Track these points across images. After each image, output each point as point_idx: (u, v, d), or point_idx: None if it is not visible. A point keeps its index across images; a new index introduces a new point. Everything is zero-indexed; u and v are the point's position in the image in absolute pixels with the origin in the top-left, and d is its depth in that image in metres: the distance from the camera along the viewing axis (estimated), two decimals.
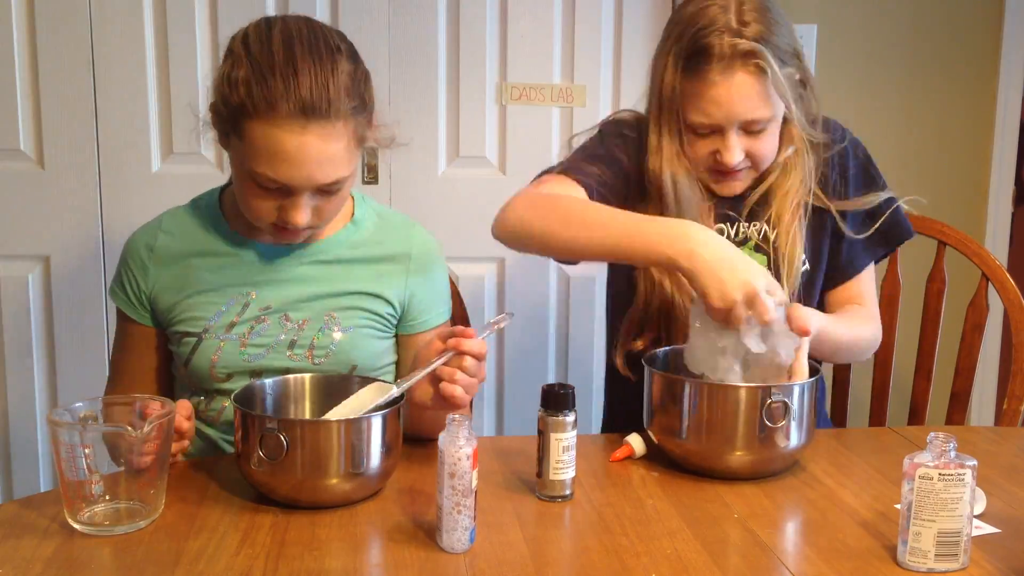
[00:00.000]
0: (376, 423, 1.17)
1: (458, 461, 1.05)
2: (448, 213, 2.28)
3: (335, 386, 1.30)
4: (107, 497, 1.12)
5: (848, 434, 1.56)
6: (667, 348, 1.43)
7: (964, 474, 1.02)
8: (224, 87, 1.26)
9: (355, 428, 1.16)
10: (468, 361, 1.21)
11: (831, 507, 1.21)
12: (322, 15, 2.19)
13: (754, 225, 1.53)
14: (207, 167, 2.23)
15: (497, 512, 1.17)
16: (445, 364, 1.22)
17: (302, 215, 1.30)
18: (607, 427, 1.75)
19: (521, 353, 2.40)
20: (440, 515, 1.07)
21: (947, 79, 2.40)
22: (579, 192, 1.45)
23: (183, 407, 1.23)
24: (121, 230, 2.20)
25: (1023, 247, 2.61)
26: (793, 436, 1.27)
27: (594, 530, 1.14)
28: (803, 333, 1.27)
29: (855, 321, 1.53)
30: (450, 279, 1.55)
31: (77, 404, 1.15)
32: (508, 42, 2.28)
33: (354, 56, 1.31)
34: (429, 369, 1.22)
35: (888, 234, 1.57)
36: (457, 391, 1.21)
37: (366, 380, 1.30)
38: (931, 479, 1.02)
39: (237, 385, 1.32)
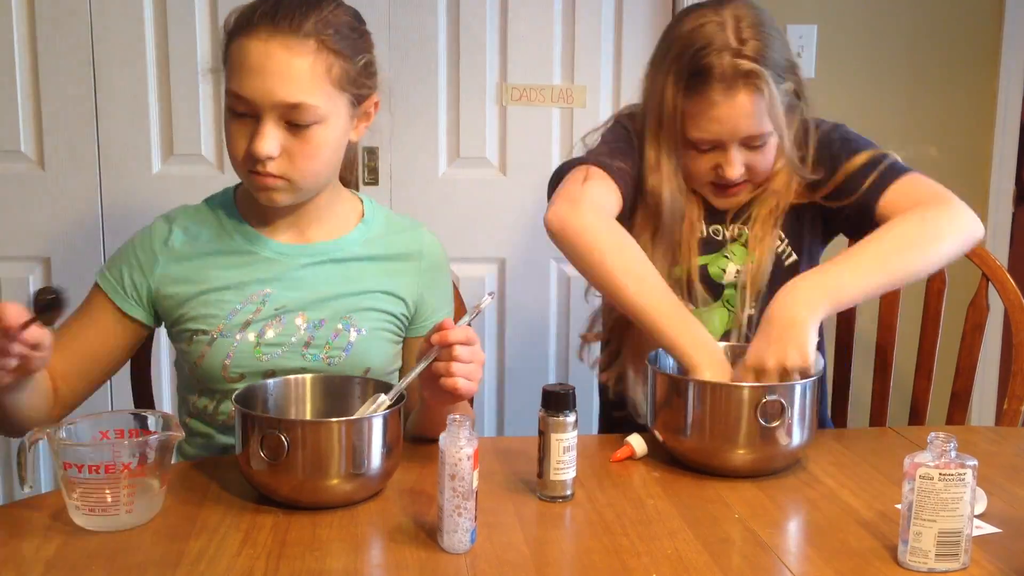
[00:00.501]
0: (377, 423, 1.17)
1: (459, 462, 1.05)
2: (448, 214, 2.28)
3: (336, 387, 1.31)
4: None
5: (849, 434, 1.56)
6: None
7: (965, 474, 1.02)
8: (224, 25, 1.35)
9: (355, 429, 1.16)
10: (458, 350, 1.20)
11: (832, 507, 1.21)
12: None
13: (743, 225, 1.54)
14: (207, 168, 2.23)
15: (498, 512, 1.17)
16: (438, 360, 1.21)
17: (265, 143, 1.28)
18: (607, 427, 1.75)
19: (521, 353, 2.40)
20: (441, 515, 1.07)
21: (947, 79, 2.40)
22: (616, 194, 1.44)
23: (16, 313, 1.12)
24: (121, 231, 2.20)
25: (1023, 247, 2.61)
26: (795, 435, 1.28)
27: (595, 530, 1.14)
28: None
29: (894, 235, 1.39)
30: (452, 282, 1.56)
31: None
32: (508, 43, 2.28)
33: (354, 16, 1.35)
34: (419, 369, 1.22)
35: (886, 172, 1.49)
36: (459, 383, 1.20)
37: (367, 382, 1.30)
38: (932, 479, 1.02)
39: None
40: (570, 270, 2.28)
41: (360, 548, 1.09)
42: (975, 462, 1.03)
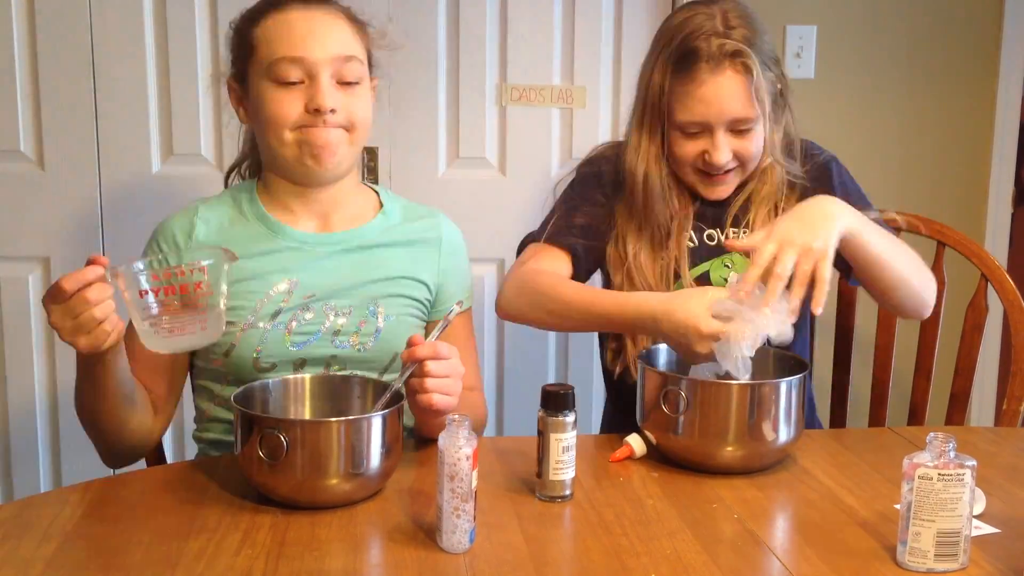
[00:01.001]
0: (376, 423, 1.17)
1: (458, 461, 1.05)
2: (448, 214, 2.25)
3: (336, 387, 1.31)
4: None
5: (848, 434, 1.57)
6: (662, 345, 1.43)
7: (963, 474, 1.02)
8: (237, 25, 1.43)
9: (355, 428, 1.16)
10: (430, 365, 1.22)
11: (831, 507, 1.21)
12: None
13: (743, 231, 1.54)
14: (207, 168, 2.23)
15: (497, 512, 1.18)
16: (412, 375, 1.23)
17: (328, 95, 1.36)
18: (607, 427, 1.75)
19: (521, 353, 2.40)
20: (440, 515, 1.07)
21: (947, 79, 2.40)
22: (564, 261, 1.53)
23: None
24: (121, 231, 2.21)
25: (1023, 248, 2.61)
26: (782, 431, 1.29)
27: (594, 530, 1.14)
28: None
29: (898, 242, 1.47)
30: None
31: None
32: (508, 43, 2.28)
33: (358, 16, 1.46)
34: (393, 389, 1.23)
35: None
36: (434, 398, 1.23)
37: (367, 382, 1.30)
38: (931, 479, 1.02)
39: (280, 376, 1.34)
40: None
41: (359, 548, 1.09)
42: (974, 462, 1.03)
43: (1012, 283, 1.69)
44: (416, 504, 1.19)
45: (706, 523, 1.16)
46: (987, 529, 1.15)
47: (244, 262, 1.38)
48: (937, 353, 1.76)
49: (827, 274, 1.28)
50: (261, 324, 1.38)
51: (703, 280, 1.54)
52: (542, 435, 1.21)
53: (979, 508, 1.17)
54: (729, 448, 1.29)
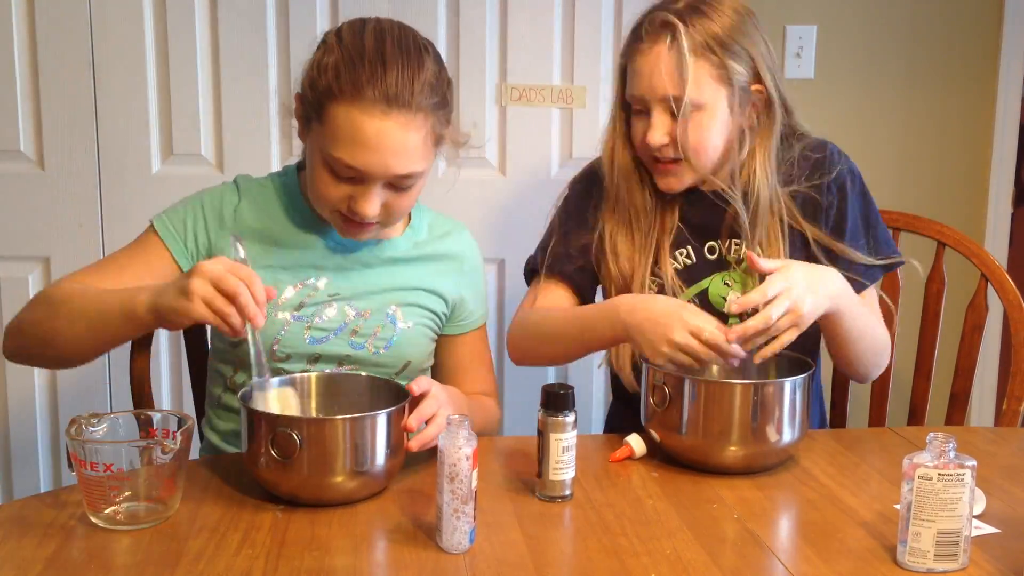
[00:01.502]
0: (382, 421, 1.17)
1: (458, 461, 1.05)
2: (447, 214, 2.27)
3: (341, 385, 1.31)
4: (127, 493, 1.12)
5: (848, 434, 1.57)
6: None
7: (963, 474, 1.02)
8: (313, 72, 1.32)
9: (361, 426, 1.16)
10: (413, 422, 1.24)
11: (831, 507, 1.21)
12: (322, 15, 2.19)
13: (745, 243, 1.51)
14: (207, 168, 2.23)
15: (497, 512, 1.18)
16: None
17: (372, 205, 1.32)
18: (611, 425, 1.75)
19: None
20: (440, 515, 1.07)
21: (947, 79, 2.40)
22: (564, 292, 1.57)
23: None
24: (121, 231, 2.20)
25: (1022, 248, 2.61)
26: (785, 432, 1.29)
27: (594, 530, 1.14)
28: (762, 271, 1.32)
29: (872, 316, 1.51)
30: None
31: (94, 421, 1.15)
32: (508, 43, 2.28)
33: (439, 60, 1.37)
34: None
35: (885, 258, 1.56)
36: (413, 446, 1.23)
37: (373, 380, 1.31)
38: (931, 479, 1.02)
39: (293, 367, 1.37)
40: None
41: (359, 548, 1.09)
42: (974, 462, 1.03)
43: (1012, 283, 1.69)
44: (416, 504, 1.19)
45: (706, 523, 1.16)
46: (987, 529, 1.15)
47: (278, 252, 1.41)
48: (937, 353, 1.76)
49: (788, 341, 1.30)
50: (284, 314, 1.39)
51: (702, 298, 1.52)
52: (542, 435, 1.21)
53: (979, 508, 1.17)
54: (733, 448, 1.29)
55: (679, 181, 1.50)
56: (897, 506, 1.08)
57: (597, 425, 2.40)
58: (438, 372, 1.55)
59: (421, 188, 1.39)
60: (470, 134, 1.45)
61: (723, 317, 1.49)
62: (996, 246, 2.46)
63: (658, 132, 1.45)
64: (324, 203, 1.36)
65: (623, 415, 1.68)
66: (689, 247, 1.54)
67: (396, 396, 1.24)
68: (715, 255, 1.54)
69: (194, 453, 1.51)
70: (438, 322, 1.50)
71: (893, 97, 2.39)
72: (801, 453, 1.38)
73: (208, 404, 1.54)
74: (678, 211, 1.55)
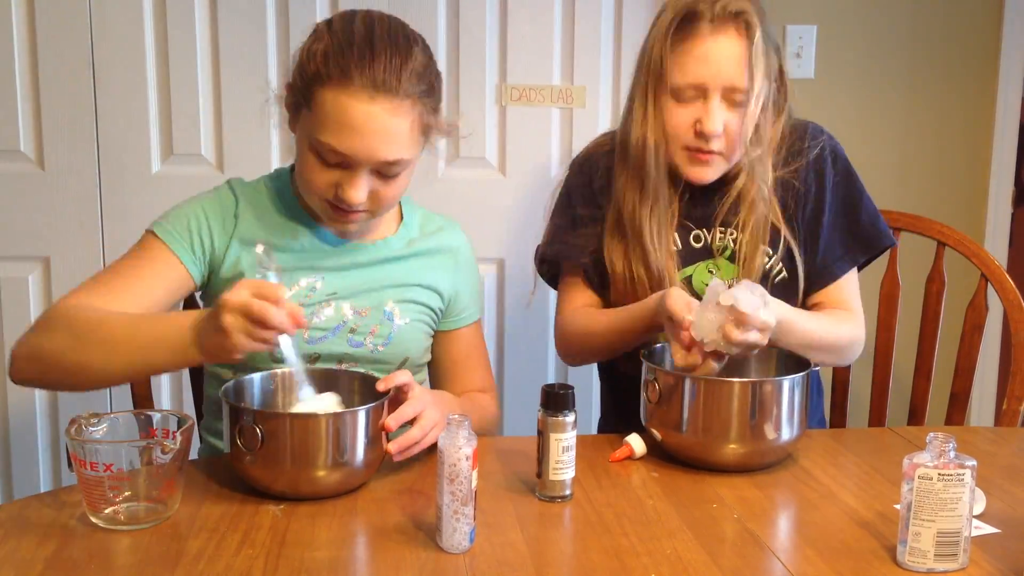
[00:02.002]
0: (359, 418, 1.19)
1: (458, 462, 1.05)
2: (448, 214, 2.27)
3: (323, 380, 1.31)
4: (127, 493, 1.12)
5: (848, 434, 1.57)
6: (664, 344, 1.44)
7: (963, 474, 1.02)
8: (303, 58, 1.33)
9: (316, 425, 1.18)
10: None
11: (831, 507, 1.21)
12: (322, 14, 2.19)
13: (730, 234, 1.53)
14: (207, 168, 2.23)
15: (497, 512, 1.18)
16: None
17: (359, 192, 1.33)
18: (603, 426, 1.75)
19: (521, 353, 2.40)
20: (440, 515, 1.07)
21: (947, 79, 2.40)
22: (580, 287, 1.60)
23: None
24: (121, 231, 2.20)
25: (1022, 248, 2.61)
26: (784, 429, 1.29)
27: (594, 530, 1.14)
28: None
29: (830, 320, 1.52)
30: None
31: (94, 420, 1.16)
32: (508, 43, 2.28)
33: (428, 51, 1.38)
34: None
35: (867, 241, 1.58)
36: (391, 448, 1.24)
37: (353, 375, 1.32)
38: (931, 479, 1.02)
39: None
40: None
41: (359, 548, 1.09)
42: (974, 462, 1.03)
43: (1012, 283, 1.69)
44: (416, 504, 1.19)
45: (706, 523, 1.16)
46: (987, 529, 1.15)
47: (277, 253, 1.40)
48: (937, 353, 1.76)
49: (750, 340, 1.29)
50: None
51: (687, 283, 1.53)
52: (542, 435, 1.21)
53: (979, 508, 1.17)
54: (733, 445, 1.29)
55: (714, 171, 1.51)
56: (897, 506, 1.08)
57: (596, 425, 2.40)
58: (434, 369, 1.55)
59: (408, 178, 1.39)
60: (456, 124, 1.45)
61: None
62: (996, 246, 2.46)
63: (717, 120, 1.44)
64: (312, 190, 1.36)
65: (615, 415, 1.68)
66: (676, 234, 1.55)
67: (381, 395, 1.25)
68: (700, 243, 1.55)
69: (193, 454, 1.51)
70: (434, 317, 1.51)
71: (893, 97, 2.39)
72: (801, 453, 1.38)
73: (205, 408, 1.54)
74: (678, 212, 1.55)
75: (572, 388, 1.21)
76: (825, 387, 1.81)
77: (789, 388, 1.29)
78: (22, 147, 2.21)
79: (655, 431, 1.34)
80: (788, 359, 1.38)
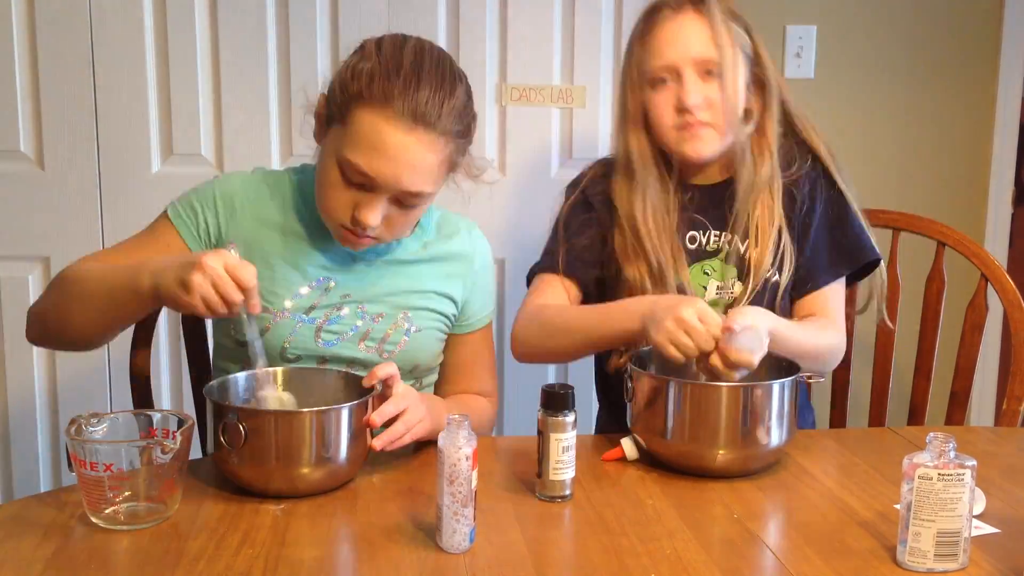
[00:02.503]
0: (342, 416, 1.19)
1: (458, 462, 1.05)
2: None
3: (308, 379, 1.32)
4: (127, 493, 1.12)
5: (848, 434, 1.57)
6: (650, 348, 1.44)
7: (963, 474, 1.02)
8: (346, 74, 1.32)
9: (299, 421, 1.18)
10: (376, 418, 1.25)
11: (831, 507, 1.21)
12: (322, 15, 2.19)
13: (725, 236, 1.54)
14: (207, 168, 2.23)
15: (497, 512, 1.18)
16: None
17: (375, 216, 1.32)
18: (601, 428, 1.76)
19: None
20: (440, 516, 1.07)
21: (947, 79, 2.40)
22: (569, 286, 1.58)
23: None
24: (121, 231, 2.20)
25: (1022, 247, 2.61)
26: (773, 434, 1.28)
27: (594, 530, 1.14)
28: (726, 329, 1.30)
29: (812, 329, 1.53)
30: None
31: (94, 420, 1.16)
32: (508, 43, 2.28)
33: (470, 92, 1.37)
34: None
35: (852, 255, 1.58)
36: (376, 444, 1.24)
37: (340, 375, 1.33)
38: (930, 479, 1.02)
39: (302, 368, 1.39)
40: None
41: (358, 548, 1.09)
42: (974, 462, 1.03)
43: (1012, 283, 1.69)
44: (416, 504, 1.19)
45: (706, 523, 1.16)
46: (987, 529, 1.15)
47: (288, 249, 1.42)
48: (937, 353, 1.76)
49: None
50: (296, 316, 1.40)
51: (680, 288, 1.53)
52: (542, 435, 1.21)
53: (979, 508, 1.17)
54: (720, 451, 1.28)
55: (708, 146, 1.51)
56: (897, 506, 1.08)
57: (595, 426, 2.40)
58: (443, 372, 1.55)
59: (424, 211, 1.40)
60: (485, 168, 1.45)
61: None
62: (996, 246, 2.46)
63: (694, 92, 1.48)
64: (328, 207, 1.36)
65: (611, 417, 1.68)
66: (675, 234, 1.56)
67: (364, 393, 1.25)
68: (695, 244, 1.55)
69: (194, 453, 1.51)
70: (448, 323, 1.51)
71: (893, 97, 2.39)
72: (801, 453, 1.38)
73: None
74: (678, 202, 1.56)
75: (572, 388, 1.21)
76: (825, 387, 1.81)
77: (778, 392, 1.28)
78: (22, 147, 2.21)
79: (639, 437, 1.34)
80: (775, 363, 1.38)
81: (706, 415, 1.27)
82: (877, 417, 1.79)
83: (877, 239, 1.61)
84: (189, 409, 1.56)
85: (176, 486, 1.14)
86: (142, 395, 1.61)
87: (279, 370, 1.32)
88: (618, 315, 1.44)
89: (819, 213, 1.57)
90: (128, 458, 1.11)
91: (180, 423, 1.16)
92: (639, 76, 1.52)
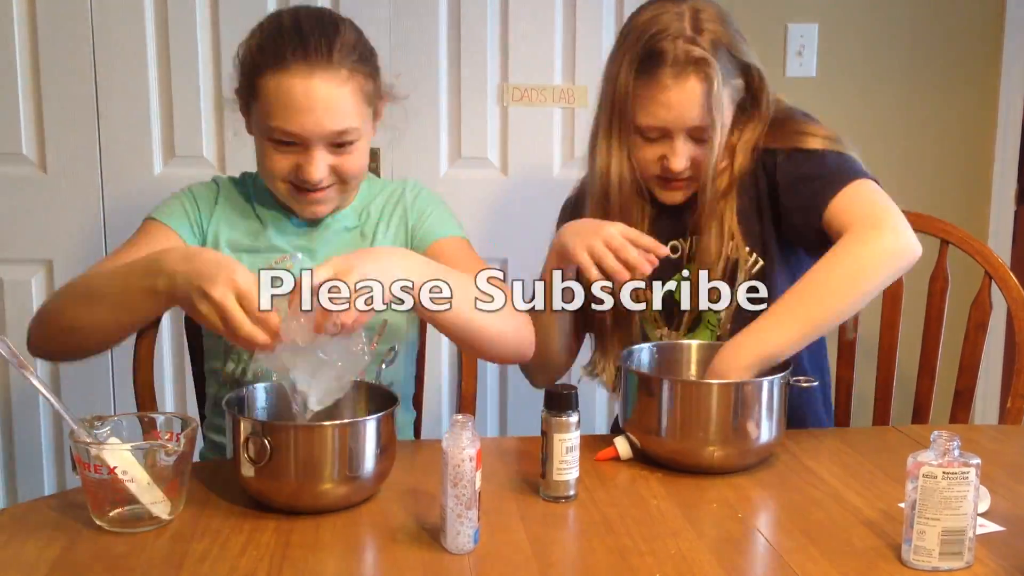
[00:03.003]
0: (369, 428, 1.16)
1: (462, 462, 1.05)
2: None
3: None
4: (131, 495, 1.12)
5: (852, 433, 1.56)
6: (644, 345, 1.45)
7: (968, 472, 1.02)
8: (243, 57, 1.40)
9: (317, 434, 1.14)
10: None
11: (835, 506, 1.21)
12: None
13: (695, 240, 1.54)
14: (209, 170, 2.23)
15: (501, 512, 1.17)
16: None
17: (317, 169, 1.37)
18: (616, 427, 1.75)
19: None
20: (444, 516, 1.07)
21: (949, 77, 2.40)
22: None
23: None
24: (123, 233, 2.19)
25: None
26: (763, 430, 1.29)
27: (598, 530, 1.14)
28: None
29: (821, 270, 1.35)
30: None
31: (98, 423, 1.16)
32: (509, 43, 2.28)
33: (358, 29, 1.43)
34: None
35: (838, 177, 1.45)
36: (327, 327, 1.16)
37: (360, 385, 1.29)
38: (935, 478, 1.02)
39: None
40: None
41: (363, 549, 1.09)
42: (978, 460, 1.03)
43: (1016, 281, 1.69)
44: (419, 505, 1.19)
45: (710, 522, 1.16)
46: (992, 527, 1.14)
47: (254, 236, 1.46)
48: (941, 351, 1.75)
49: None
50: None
51: (668, 297, 1.52)
52: (546, 435, 1.21)
53: (984, 506, 1.17)
54: (710, 448, 1.29)
55: (685, 195, 1.53)
56: (902, 504, 1.08)
57: (600, 425, 2.40)
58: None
59: (366, 150, 1.43)
60: (395, 83, 1.47)
61: (694, 311, 1.53)
62: (999, 244, 2.45)
63: (682, 159, 1.47)
64: (275, 178, 1.41)
65: None
66: None
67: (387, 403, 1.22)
68: (677, 254, 1.56)
69: (195, 455, 1.51)
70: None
71: (895, 95, 2.39)
72: (805, 452, 1.38)
73: (207, 407, 1.54)
74: (648, 222, 1.56)
75: (575, 388, 1.21)
76: (828, 382, 1.81)
77: (767, 390, 1.28)
78: (24, 150, 2.21)
79: (632, 435, 1.34)
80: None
81: (697, 412, 1.28)
82: (881, 415, 1.79)
83: None
84: (192, 410, 1.56)
85: (179, 488, 1.14)
86: (145, 397, 1.61)
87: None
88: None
89: (783, 173, 1.49)
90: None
91: (183, 425, 1.16)
92: (625, 115, 1.47)
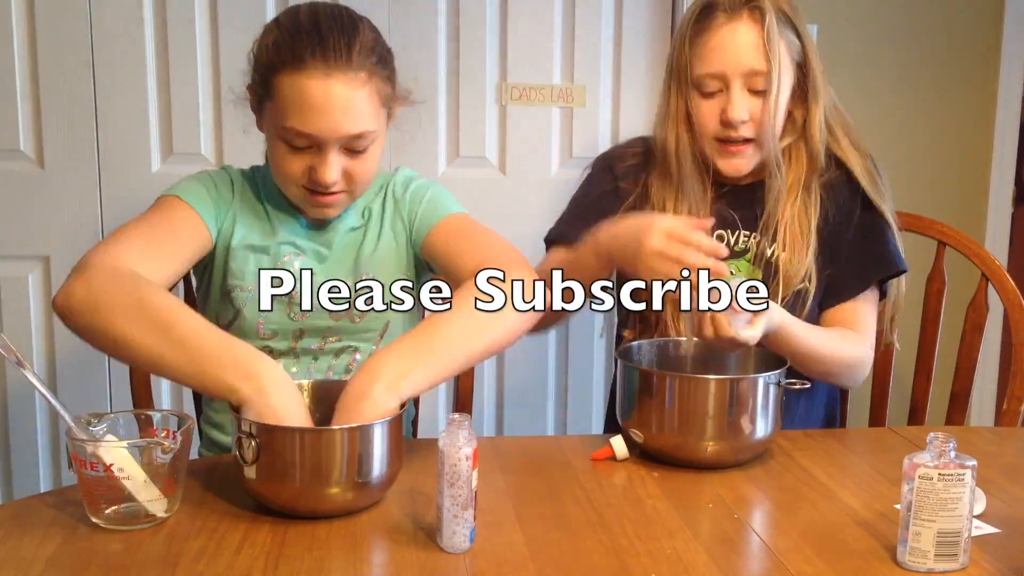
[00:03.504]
0: (376, 432, 1.15)
1: (458, 462, 1.05)
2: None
3: (335, 391, 1.29)
4: (127, 493, 1.11)
5: (848, 434, 1.56)
6: (642, 341, 1.46)
7: (964, 474, 1.02)
8: (258, 54, 1.37)
9: (324, 438, 1.13)
10: None
11: (831, 507, 1.21)
12: None
13: (753, 237, 1.54)
14: (207, 167, 2.22)
15: (497, 512, 1.18)
16: None
17: (331, 171, 1.35)
18: (610, 426, 1.75)
19: (521, 353, 2.39)
20: (440, 516, 1.07)
21: (947, 79, 2.40)
22: (560, 255, 1.53)
23: None
24: None
25: (1023, 247, 2.61)
26: (758, 426, 1.29)
27: (594, 530, 1.14)
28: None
29: (834, 336, 1.51)
30: None
31: (95, 420, 1.16)
32: (508, 42, 2.28)
33: (376, 29, 1.40)
34: None
35: (883, 265, 1.57)
36: None
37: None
38: (931, 479, 1.02)
39: (280, 345, 1.42)
40: None
41: (359, 548, 1.09)
42: (974, 462, 1.03)
43: (1012, 282, 1.69)
44: (416, 504, 1.19)
45: (706, 522, 1.16)
46: (987, 529, 1.15)
47: (260, 234, 1.45)
48: (937, 353, 1.75)
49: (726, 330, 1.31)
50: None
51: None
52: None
53: (979, 508, 1.17)
54: (707, 443, 1.29)
55: (747, 163, 1.52)
56: (897, 506, 1.08)
57: (597, 424, 2.40)
58: (443, 275, 1.50)
59: (379, 153, 1.41)
60: (411, 89, 1.47)
61: None
62: (996, 246, 2.46)
63: (740, 107, 1.46)
64: (287, 179, 1.39)
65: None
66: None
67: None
68: (723, 243, 1.55)
69: (193, 452, 1.51)
70: (411, 269, 1.51)
71: (893, 96, 2.39)
72: (801, 452, 1.38)
73: (205, 401, 1.54)
74: (712, 200, 1.56)
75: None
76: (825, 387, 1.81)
77: (763, 385, 1.29)
78: (22, 146, 2.21)
79: (633, 431, 1.35)
80: (762, 357, 1.39)
81: (694, 406, 1.28)
82: (878, 417, 1.79)
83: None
84: (188, 409, 1.56)
85: (176, 486, 1.14)
86: (142, 395, 1.61)
87: (305, 383, 1.29)
88: (585, 256, 1.42)
89: (853, 225, 1.56)
90: None
91: (180, 423, 1.16)
92: (685, 77, 1.50)
